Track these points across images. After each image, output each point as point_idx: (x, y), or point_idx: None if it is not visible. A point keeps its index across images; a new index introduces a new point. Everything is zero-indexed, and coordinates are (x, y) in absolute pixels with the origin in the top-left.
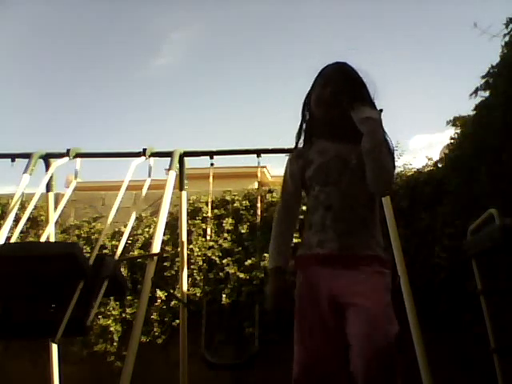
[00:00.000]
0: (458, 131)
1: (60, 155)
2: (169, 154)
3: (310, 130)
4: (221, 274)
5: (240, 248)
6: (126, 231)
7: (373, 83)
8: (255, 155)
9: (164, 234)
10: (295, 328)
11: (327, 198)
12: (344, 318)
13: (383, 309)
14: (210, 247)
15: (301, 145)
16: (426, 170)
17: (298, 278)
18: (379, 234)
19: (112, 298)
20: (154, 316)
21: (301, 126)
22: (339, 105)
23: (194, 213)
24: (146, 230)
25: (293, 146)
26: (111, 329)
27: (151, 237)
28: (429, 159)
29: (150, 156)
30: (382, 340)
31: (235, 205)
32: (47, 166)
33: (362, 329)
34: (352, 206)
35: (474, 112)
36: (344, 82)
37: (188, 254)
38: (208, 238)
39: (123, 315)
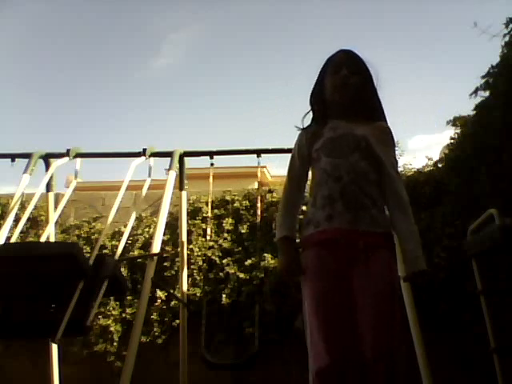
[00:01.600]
0: (458, 131)
1: (60, 155)
2: (169, 154)
3: (325, 113)
4: (221, 273)
5: (240, 248)
6: (126, 231)
7: (376, 70)
8: (255, 155)
9: (164, 234)
10: (314, 317)
11: (336, 170)
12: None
13: (390, 299)
14: (210, 247)
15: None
16: (425, 169)
17: (306, 258)
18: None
19: (112, 297)
20: (154, 316)
21: (312, 111)
22: (356, 85)
23: (194, 213)
24: (146, 230)
25: (292, 145)
26: (111, 329)
27: (151, 237)
28: (429, 159)
29: (150, 156)
30: (387, 329)
31: (235, 205)
32: (47, 166)
33: (371, 322)
34: (361, 182)
35: (474, 112)
36: (356, 63)
37: (188, 254)
38: (208, 237)
39: (123, 315)
